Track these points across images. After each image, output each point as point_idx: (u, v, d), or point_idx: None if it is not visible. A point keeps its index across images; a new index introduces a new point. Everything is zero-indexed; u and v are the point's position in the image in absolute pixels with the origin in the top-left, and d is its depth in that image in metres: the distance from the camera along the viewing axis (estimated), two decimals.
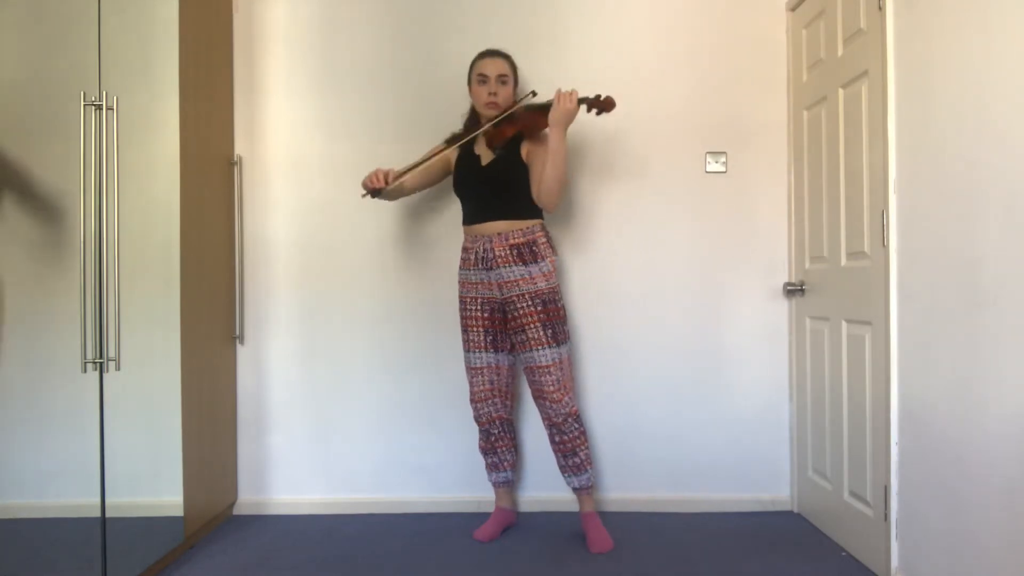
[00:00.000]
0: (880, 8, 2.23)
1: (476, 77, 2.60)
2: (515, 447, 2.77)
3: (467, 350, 2.66)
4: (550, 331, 2.52)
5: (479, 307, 2.62)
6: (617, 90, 2.95)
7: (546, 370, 2.52)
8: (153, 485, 2.38)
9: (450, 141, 2.64)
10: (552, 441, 2.61)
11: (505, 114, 2.54)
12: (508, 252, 2.53)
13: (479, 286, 2.61)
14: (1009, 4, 1.69)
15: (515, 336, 2.56)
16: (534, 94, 2.53)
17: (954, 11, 1.89)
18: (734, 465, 2.98)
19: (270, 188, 3.02)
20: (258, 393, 3.02)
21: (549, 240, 2.59)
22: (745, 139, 2.98)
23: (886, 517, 2.22)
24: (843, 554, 2.49)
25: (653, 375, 2.99)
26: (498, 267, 2.54)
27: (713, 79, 2.99)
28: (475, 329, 2.63)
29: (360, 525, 2.83)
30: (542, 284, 2.53)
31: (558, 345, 2.53)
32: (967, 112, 1.84)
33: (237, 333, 2.98)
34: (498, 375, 2.66)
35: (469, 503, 2.98)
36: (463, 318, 2.66)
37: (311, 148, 3.02)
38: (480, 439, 2.74)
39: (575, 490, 2.63)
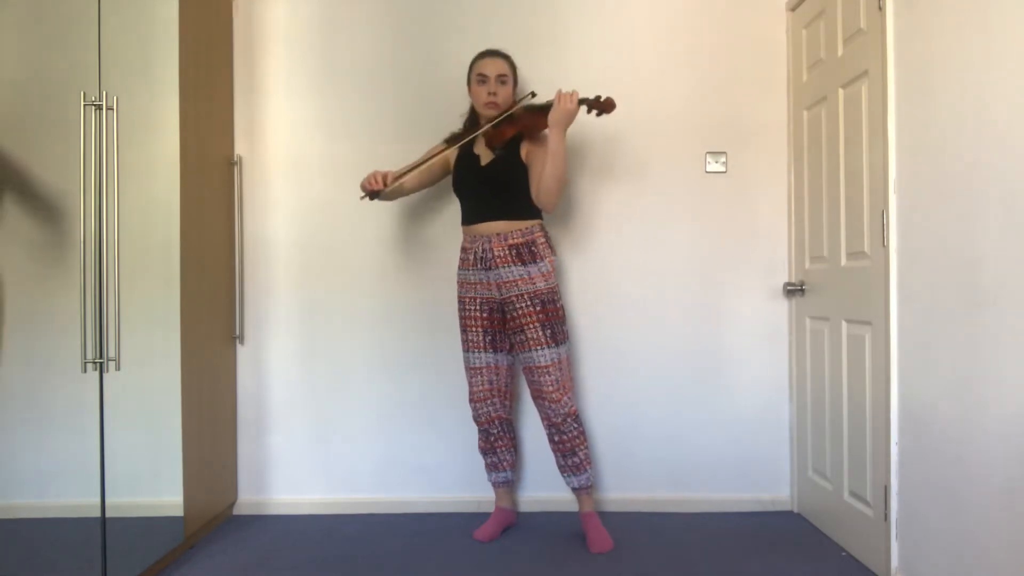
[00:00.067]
0: (880, 8, 2.23)
1: (476, 77, 2.60)
2: (515, 447, 2.77)
3: (466, 350, 2.66)
4: (549, 331, 2.52)
5: (478, 307, 2.62)
6: (617, 90, 2.95)
7: (545, 370, 2.52)
8: (153, 485, 2.38)
9: (449, 141, 2.64)
10: (551, 441, 2.61)
11: (505, 114, 2.53)
12: (507, 252, 2.53)
13: (478, 286, 2.61)
14: (1009, 4, 1.69)
15: (514, 336, 2.56)
16: (534, 95, 2.53)
17: (954, 11, 1.89)
18: (734, 465, 2.98)
19: (270, 188, 3.02)
20: (258, 393, 3.02)
21: (548, 240, 2.59)
22: (745, 139, 2.98)
23: (886, 517, 2.22)
24: (843, 554, 2.49)
25: (653, 375, 2.99)
26: (497, 267, 2.54)
27: (713, 79, 2.99)
28: (474, 329, 2.63)
29: (360, 525, 2.83)
30: (541, 284, 2.53)
31: (557, 345, 2.53)
32: (967, 112, 1.84)
33: (237, 333, 2.98)
34: (497, 375, 2.66)
35: (469, 503, 2.98)
36: (462, 318, 2.66)
37: (311, 148, 3.02)
38: (480, 439, 2.74)
39: (574, 490, 2.63)
